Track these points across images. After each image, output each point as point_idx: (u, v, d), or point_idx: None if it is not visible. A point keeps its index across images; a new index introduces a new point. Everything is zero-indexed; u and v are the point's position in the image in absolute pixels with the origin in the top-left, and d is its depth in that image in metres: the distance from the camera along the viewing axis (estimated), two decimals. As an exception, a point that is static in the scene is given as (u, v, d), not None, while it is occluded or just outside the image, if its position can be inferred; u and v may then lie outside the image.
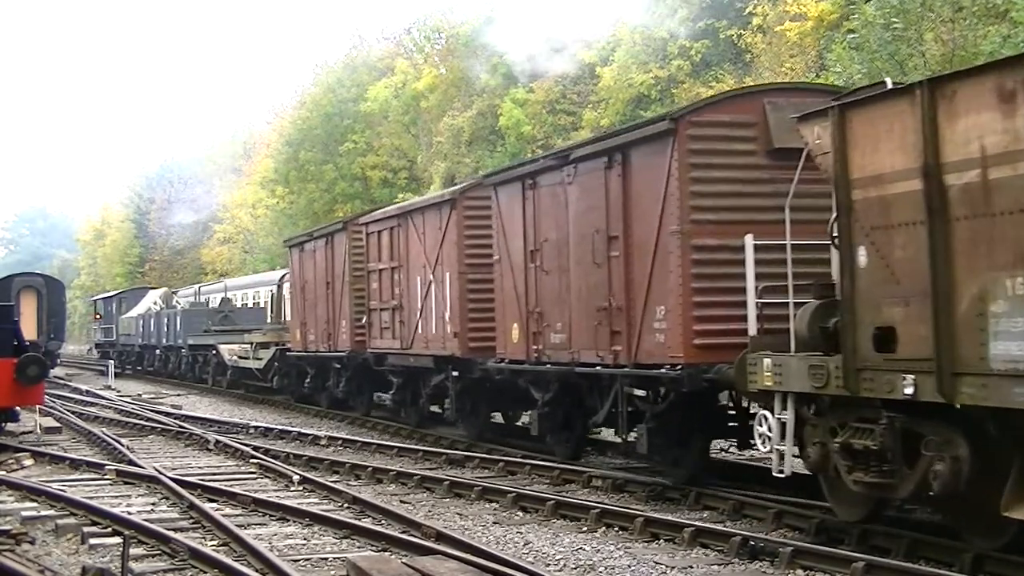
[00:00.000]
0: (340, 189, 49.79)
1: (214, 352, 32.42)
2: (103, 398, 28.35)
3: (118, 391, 31.91)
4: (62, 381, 35.01)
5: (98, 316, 53.09)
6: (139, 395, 30.84)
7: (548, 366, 13.87)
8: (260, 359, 28.12)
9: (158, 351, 40.50)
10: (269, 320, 34.24)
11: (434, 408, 19.55)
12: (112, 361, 42.23)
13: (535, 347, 14.09)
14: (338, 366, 22.94)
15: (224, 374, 32.31)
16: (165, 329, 38.63)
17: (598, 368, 12.75)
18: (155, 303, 43.39)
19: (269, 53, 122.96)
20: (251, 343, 28.96)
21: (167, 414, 23.12)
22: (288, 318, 30.53)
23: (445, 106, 44.49)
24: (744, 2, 29.68)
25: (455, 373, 17.14)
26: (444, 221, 17.39)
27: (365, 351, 20.86)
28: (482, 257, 16.40)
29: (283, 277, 33.94)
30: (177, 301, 43.17)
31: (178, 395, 31.50)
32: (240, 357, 29.81)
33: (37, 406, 18.46)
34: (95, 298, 58.14)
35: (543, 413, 14.37)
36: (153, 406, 25.89)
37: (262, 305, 37.43)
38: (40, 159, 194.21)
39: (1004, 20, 18.77)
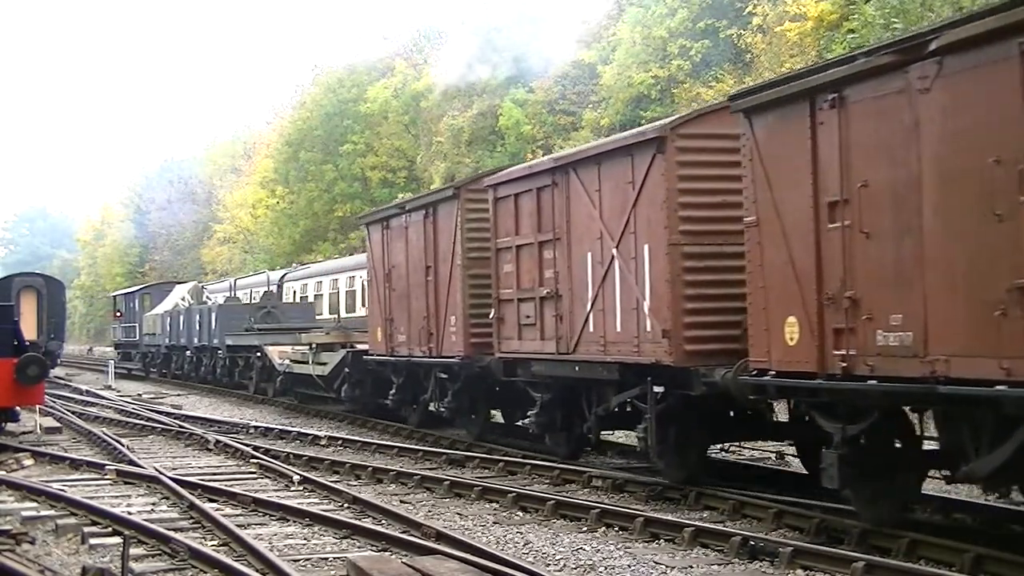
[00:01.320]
0: (340, 189, 49.81)
1: (258, 354, 27.84)
2: (103, 398, 28.33)
3: (118, 391, 31.89)
4: (62, 381, 34.97)
5: (119, 314, 48.07)
6: (139, 395, 30.82)
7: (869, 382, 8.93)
8: (323, 364, 22.72)
9: (188, 352, 35.65)
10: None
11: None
12: (112, 362, 41.96)
13: (841, 352, 9.17)
14: (443, 375, 17.66)
15: (270, 380, 27.43)
16: (197, 328, 33.76)
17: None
18: (183, 299, 38.79)
19: (269, 53, 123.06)
20: (310, 344, 23.60)
21: (167, 414, 23.10)
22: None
23: (445, 106, 44.49)
24: (744, 2, 29.69)
25: (658, 389, 12.06)
26: (640, 171, 12.05)
27: (489, 356, 15.80)
28: (706, 221, 11.62)
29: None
30: (208, 296, 39.22)
31: (178, 395, 31.47)
32: (295, 361, 24.60)
33: (37, 406, 18.46)
34: (115, 294, 53.48)
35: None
36: (153, 406, 25.88)
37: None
38: (40, 159, 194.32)
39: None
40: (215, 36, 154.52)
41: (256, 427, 20.33)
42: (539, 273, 14.24)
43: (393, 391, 19.50)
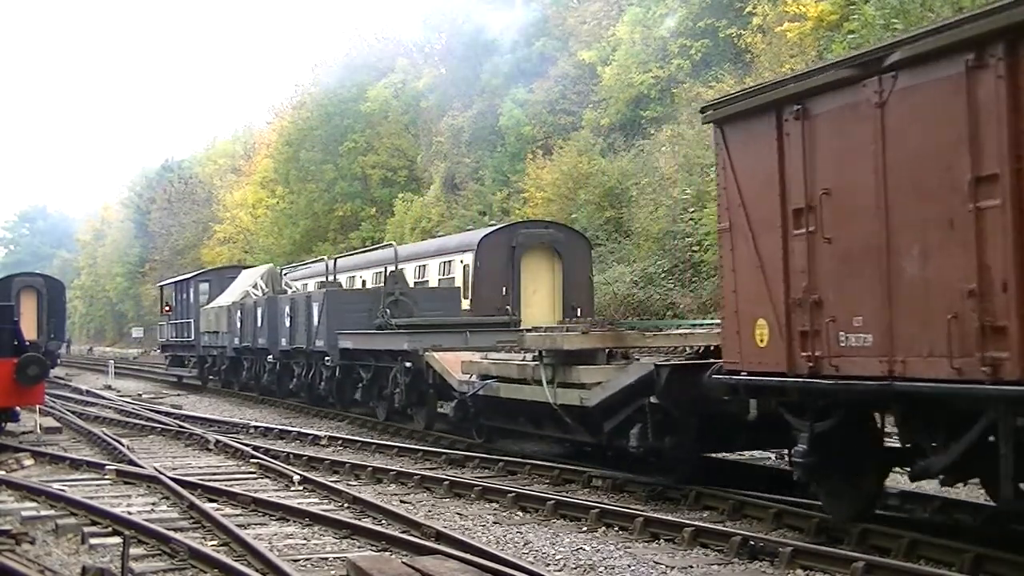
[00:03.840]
0: (340, 189, 49.85)
1: (407, 363, 18.75)
2: (103, 398, 28.33)
3: (118, 391, 31.89)
4: (62, 381, 34.97)
5: (168, 308, 39.10)
6: (139, 395, 30.82)
7: None
8: (579, 388, 13.04)
9: (271, 358, 26.52)
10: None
11: None
12: (111, 360, 41.76)
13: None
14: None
15: (421, 402, 19.02)
16: (286, 324, 24.67)
17: None
18: (255, 286, 29.26)
19: (269, 53, 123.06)
20: (538, 353, 13.82)
21: (167, 414, 23.10)
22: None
23: (445, 106, 44.56)
24: (744, 2, 29.71)
25: None
26: None
27: None
28: None
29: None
30: (288, 284, 29.85)
31: (178, 395, 31.47)
32: (498, 379, 15.16)
33: (37, 406, 18.46)
34: (163, 283, 43.03)
35: None
36: (153, 406, 25.87)
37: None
38: (40, 158, 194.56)
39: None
40: (215, 36, 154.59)
41: (256, 427, 20.33)
42: None
43: (806, 456, 9.61)
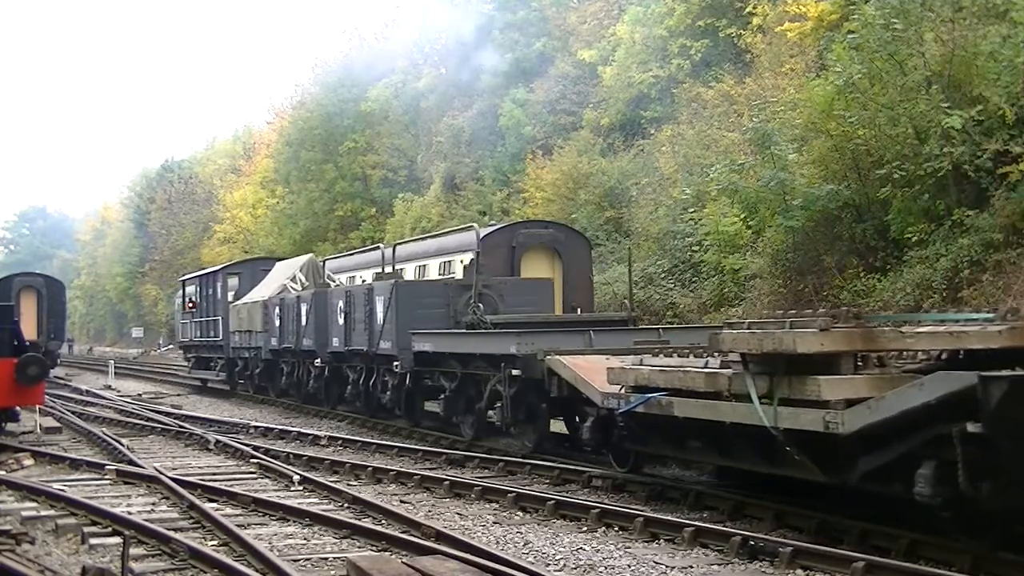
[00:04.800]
0: (340, 188, 49.85)
1: (514, 372, 14.92)
2: (103, 398, 28.33)
3: (118, 391, 31.89)
4: (62, 381, 34.97)
5: (191, 304, 35.16)
6: (139, 395, 30.81)
7: None
8: (825, 405, 9.02)
9: (318, 361, 22.95)
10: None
11: None
12: (111, 360, 41.67)
13: None
14: None
15: (531, 421, 15.43)
16: (340, 322, 21.12)
17: None
18: (293, 279, 26.12)
19: (269, 53, 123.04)
20: (745, 357, 9.77)
21: (167, 414, 23.08)
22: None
23: (445, 106, 44.58)
24: (744, 2, 29.70)
25: None
26: None
27: None
28: None
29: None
30: (331, 276, 26.82)
31: (178, 395, 31.46)
32: (688, 394, 10.78)
33: (37, 406, 18.45)
34: (185, 277, 38.77)
35: None
36: (153, 406, 25.87)
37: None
38: (40, 158, 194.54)
39: (1004, 20, 18.77)
40: (215, 36, 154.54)
41: (256, 427, 20.31)
42: None
43: None
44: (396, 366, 18.57)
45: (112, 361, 42.37)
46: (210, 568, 8.74)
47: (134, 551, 9.18)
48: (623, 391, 11.99)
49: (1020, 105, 17.87)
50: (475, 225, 23.68)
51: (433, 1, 48.41)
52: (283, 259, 31.52)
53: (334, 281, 26.02)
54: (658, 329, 14.38)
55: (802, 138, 22.07)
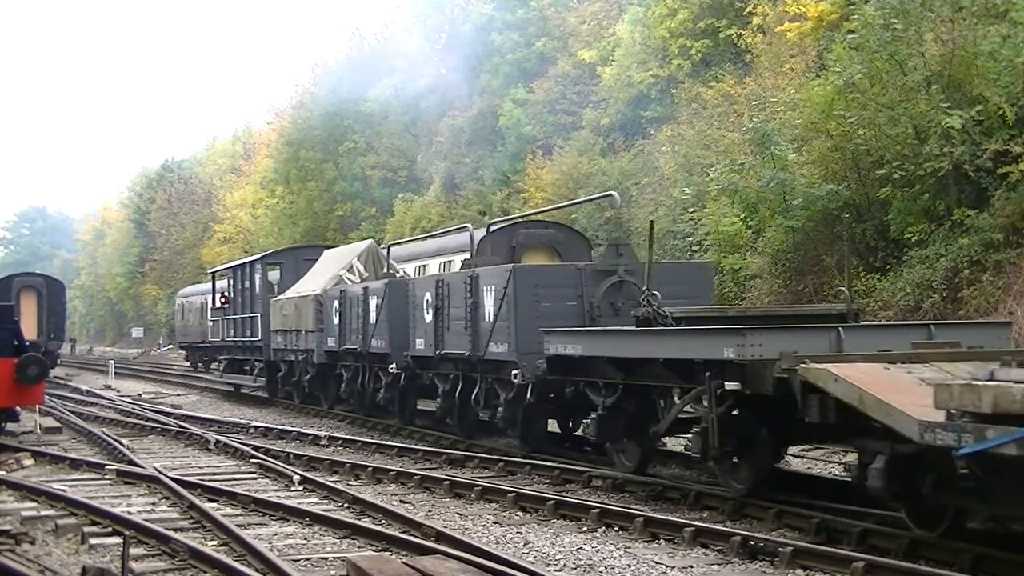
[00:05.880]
0: (340, 189, 49.85)
1: (730, 385, 10.36)
2: (103, 398, 28.33)
3: (118, 391, 31.89)
4: (62, 381, 34.96)
5: (224, 300, 30.86)
6: (139, 395, 30.82)
7: None
8: None
9: (393, 367, 18.79)
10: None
11: None
12: (111, 360, 41.63)
13: None
14: None
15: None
16: (427, 319, 17.33)
17: None
18: (351, 270, 22.62)
19: (269, 53, 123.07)
20: None
21: (167, 414, 23.08)
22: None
23: (445, 106, 44.58)
24: (744, 2, 29.69)
25: None
26: None
27: None
28: None
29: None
30: (394, 266, 22.45)
31: (178, 395, 31.46)
32: None
33: (37, 406, 18.45)
34: (215, 269, 35.16)
35: None
36: (153, 406, 25.86)
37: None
38: (40, 158, 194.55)
39: (1004, 20, 18.78)
40: (215, 36, 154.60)
41: (256, 427, 20.31)
42: None
43: None
44: (515, 375, 14.76)
45: (112, 361, 42.37)
46: (210, 568, 8.74)
47: (134, 551, 9.18)
48: (961, 419, 7.56)
49: (1020, 105, 17.87)
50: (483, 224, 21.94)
51: (433, 1, 48.44)
52: (331, 247, 28.19)
53: (398, 271, 22.13)
54: (928, 326, 11.08)
55: (802, 138, 22.08)
